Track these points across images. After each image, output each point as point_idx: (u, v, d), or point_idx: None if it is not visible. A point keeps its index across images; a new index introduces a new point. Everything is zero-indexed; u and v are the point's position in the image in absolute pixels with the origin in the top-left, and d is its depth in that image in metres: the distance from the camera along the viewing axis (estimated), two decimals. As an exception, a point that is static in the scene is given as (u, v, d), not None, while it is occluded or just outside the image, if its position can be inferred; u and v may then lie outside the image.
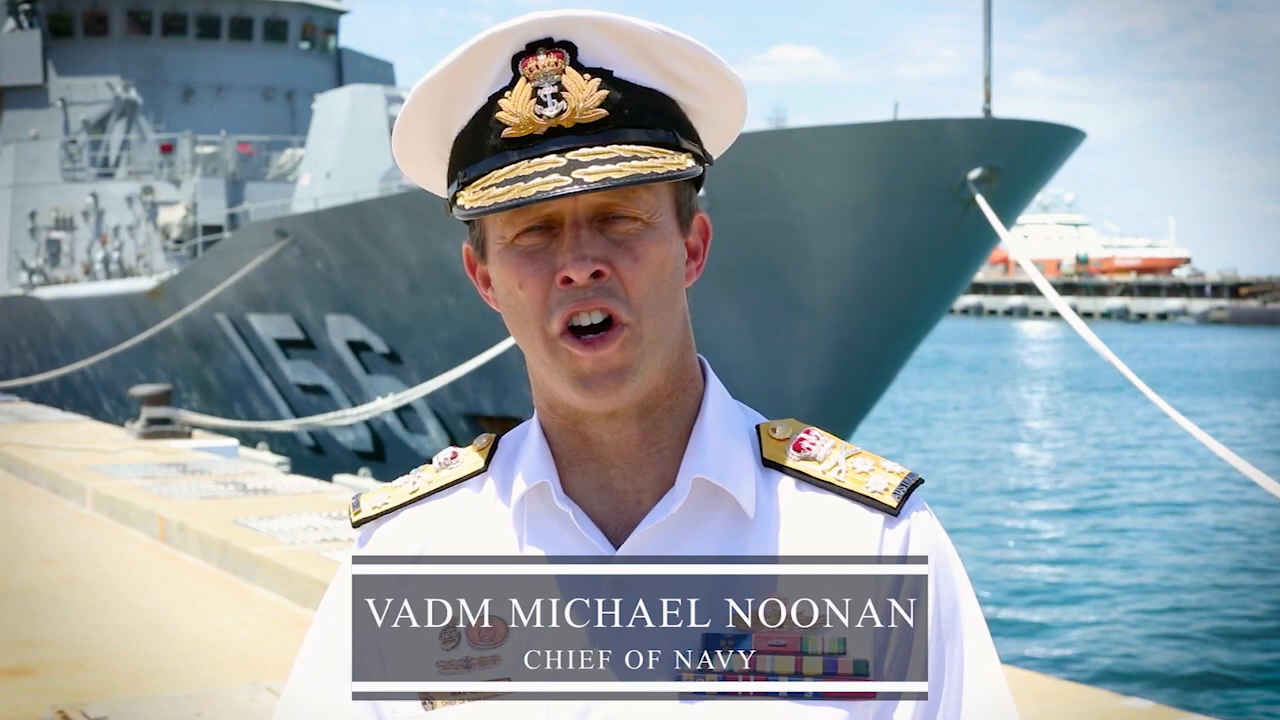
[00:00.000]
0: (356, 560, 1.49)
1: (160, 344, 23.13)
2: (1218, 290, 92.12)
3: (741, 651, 1.34)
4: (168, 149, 28.96)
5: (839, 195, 15.19)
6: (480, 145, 1.35)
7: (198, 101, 31.16)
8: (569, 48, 1.33)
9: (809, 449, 1.43)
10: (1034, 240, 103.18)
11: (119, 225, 28.63)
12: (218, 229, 26.06)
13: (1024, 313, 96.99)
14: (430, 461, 1.52)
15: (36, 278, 29.22)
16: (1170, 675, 12.93)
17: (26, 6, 31.55)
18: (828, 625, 1.35)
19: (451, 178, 1.40)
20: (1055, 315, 79.12)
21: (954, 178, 15.22)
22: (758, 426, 1.45)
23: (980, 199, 15.04)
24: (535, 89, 1.32)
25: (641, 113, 1.34)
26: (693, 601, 1.36)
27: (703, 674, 1.34)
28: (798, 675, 1.34)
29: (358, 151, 22.91)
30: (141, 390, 14.50)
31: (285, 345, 21.65)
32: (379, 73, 33.49)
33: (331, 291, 20.08)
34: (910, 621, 1.38)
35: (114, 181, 29.27)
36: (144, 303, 24.21)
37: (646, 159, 1.32)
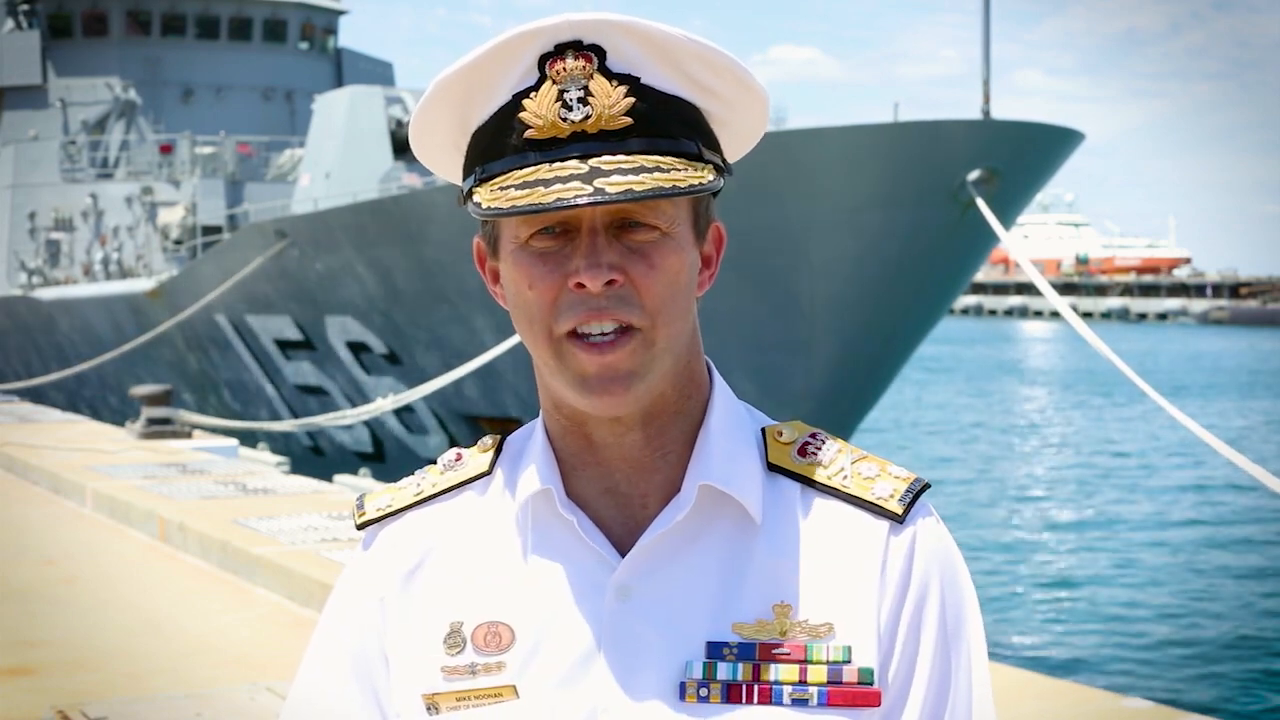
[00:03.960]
0: (360, 563, 1.49)
1: (160, 344, 23.12)
2: (1218, 290, 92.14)
3: (746, 659, 1.33)
4: (167, 149, 28.95)
5: (838, 197, 15.18)
6: (501, 143, 1.34)
7: (197, 102, 31.14)
8: (598, 52, 1.31)
9: (815, 453, 1.42)
10: (1034, 240, 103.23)
11: (118, 226, 28.63)
12: (217, 230, 26.04)
13: (1024, 313, 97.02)
14: (434, 462, 1.51)
15: (36, 278, 29.21)
16: (1170, 675, 12.93)
17: (26, 7, 31.54)
18: (833, 633, 1.35)
19: (468, 171, 1.38)
20: (1055, 315, 79.05)
21: (953, 179, 15.22)
22: (763, 429, 1.44)
23: (979, 200, 15.05)
24: (561, 92, 1.31)
25: (666, 121, 1.33)
26: (697, 608, 1.35)
27: (707, 682, 1.33)
28: (803, 683, 1.33)
29: (357, 152, 22.90)
30: (141, 390, 14.49)
31: (285, 346, 21.65)
32: (378, 73, 33.47)
33: (331, 292, 20.07)
34: (915, 630, 1.37)
35: (113, 182, 29.25)
36: (143, 303, 24.21)
37: (669, 171, 1.31)
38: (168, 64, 31.04)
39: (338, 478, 14.93)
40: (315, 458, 21.20)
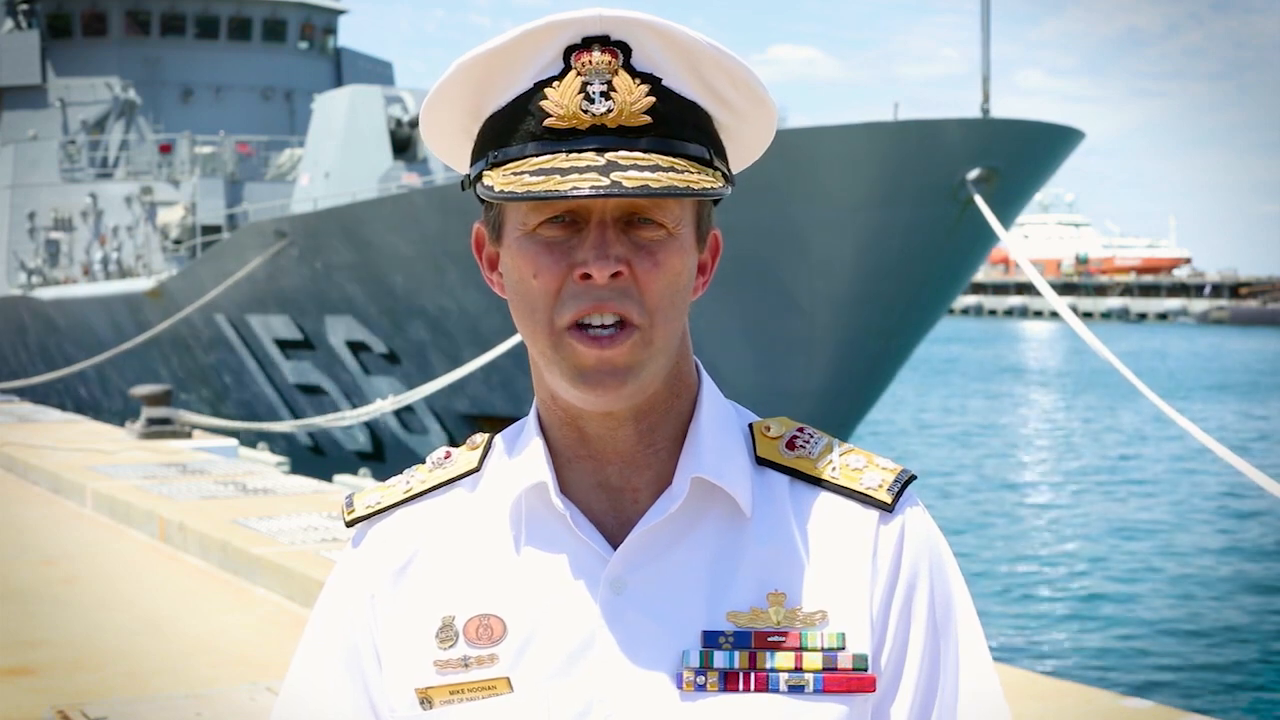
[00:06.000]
0: (351, 561, 1.49)
1: (160, 344, 23.12)
2: (1218, 290, 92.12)
3: (741, 648, 1.35)
4: (166, 149, 28.95)
5: (837, 196, 15.18)
6: (517, 129, 1.35)
7: (196, 102, 31.15)
8: (623, 49, 1.33)
9: (803, 446, 1.44)
10: (1034, 240, 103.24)
11: (118, 226, 28.63)
12: (217, 229, 26.04)
13: (1024, 313, 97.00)
14: (424, 462, 1.52)
15: (35, 278, 29.21)
16: (1170, 675, 12.93)
17: (25, 7, 31.55)
18: (827, 621, 1.36)
19: (479, 155, 1.39)
20: (1055, 315, 79.01)
21: (952, 178, 15.21)
22: (750, 425, 1.46)
23: (978, 199, 15.04)
24: (585, 84, 1.33)
25: (682, 125, 1.35)
26: (691, 599, 1.36)
27: (704, 670, 1.34)
28: (798, 670, 1.35)
29: (357, 151, 22.90)
30: (141, 390, 14.48)
31: (284, 345, 21.65)
32: (378, 73, 33.47)
33: (330, 292, 20.07)
34: (906, 616, 1.39)
35: (113, 182, 29.25)
36: (143, 303, 24.21)
37: (683, 172, 1.33)
38: (167, 64, 31.04)
39: (338, 478, 14.94)
40: (315, 458, 21.19)
